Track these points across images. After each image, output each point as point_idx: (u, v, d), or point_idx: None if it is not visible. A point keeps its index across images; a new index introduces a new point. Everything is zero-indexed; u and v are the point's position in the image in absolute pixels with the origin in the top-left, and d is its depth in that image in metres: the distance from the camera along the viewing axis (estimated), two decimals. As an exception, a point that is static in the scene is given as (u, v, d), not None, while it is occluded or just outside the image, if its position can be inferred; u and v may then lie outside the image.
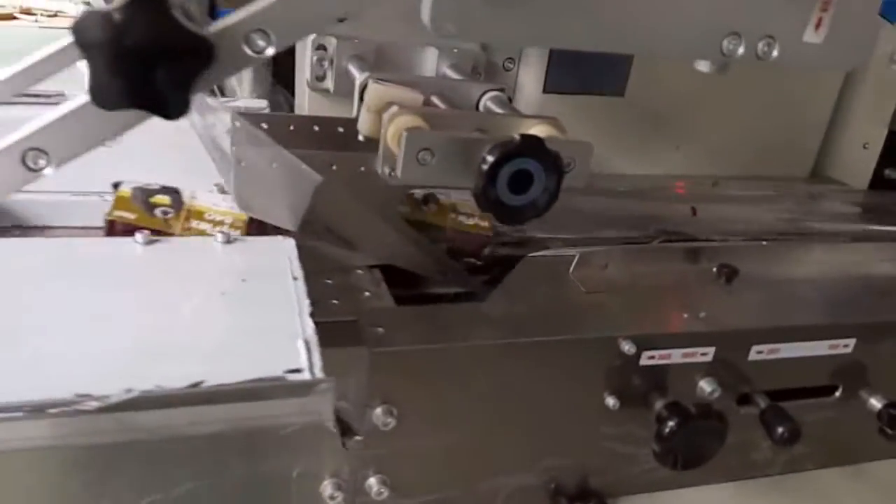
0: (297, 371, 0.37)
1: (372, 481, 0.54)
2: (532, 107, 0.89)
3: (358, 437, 0.47)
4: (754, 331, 0.60)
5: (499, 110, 0.63)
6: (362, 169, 0.55)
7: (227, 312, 0.45)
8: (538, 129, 0.56)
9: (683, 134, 0.97)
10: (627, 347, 0.56)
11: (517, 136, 0.46)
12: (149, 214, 0.62)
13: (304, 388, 0.36)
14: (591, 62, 0.88)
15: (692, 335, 0.58)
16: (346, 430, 0.42)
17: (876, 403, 0.67)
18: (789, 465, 0.69)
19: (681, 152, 0.98)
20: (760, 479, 0.68)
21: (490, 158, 0.46)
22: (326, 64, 0.76)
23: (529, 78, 0.88)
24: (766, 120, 1.01)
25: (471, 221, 0.74)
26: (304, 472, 0.52)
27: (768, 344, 0.60)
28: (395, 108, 0.53)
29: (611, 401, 0.58)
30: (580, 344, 0.55)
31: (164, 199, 0.62)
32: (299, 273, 0.50)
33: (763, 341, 0.60)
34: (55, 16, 2.45)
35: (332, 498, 0.53)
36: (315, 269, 0.58)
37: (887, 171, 1.01)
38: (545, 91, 0.88)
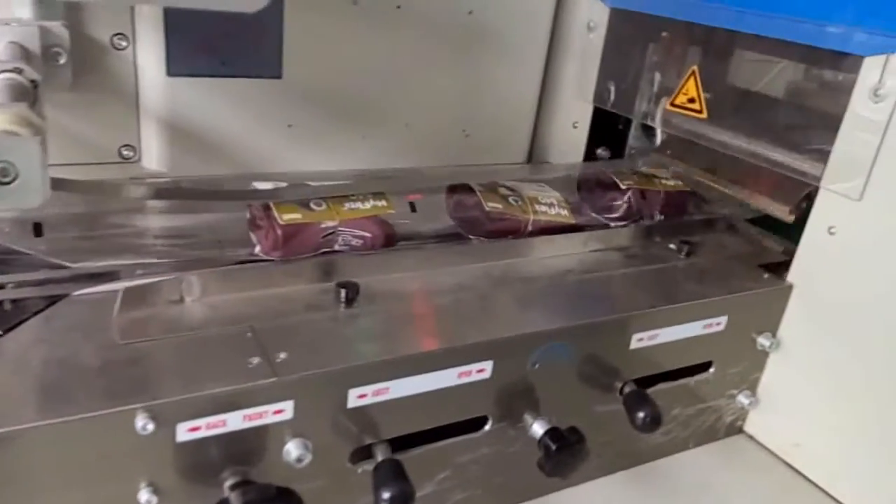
0: None
1: None
2: (158, 93, 0.71)
3: None
4: (345, 372, 0.46)
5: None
6: None
7: None
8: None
9: (368, 121, 0.83)
10: (142, 424, 0.40)
11: None
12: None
13: None
14: (227, 40, 0.71)
15: (249, 393, 0.43)
16: None
17: (538, 429, 0.56)
18: (450, 515, 0.57)
19: (369, 142, 0.84)
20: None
21: None
22: None
23: (149, 59, 0.70)
24: (468, 104, 0.90)
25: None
26: None
27: (370, 385, 0.47)
28: None
29: (145, 495, 0.42)
30: (63, 430, 0.39)
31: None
32: None
33: (361, 383, 0.47)
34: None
35: None
36: None
37: (599, 151, 0.94)
38: (170, 74, 0.70)
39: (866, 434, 0.62)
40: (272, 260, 0.56)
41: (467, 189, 0.68)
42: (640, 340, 0.59)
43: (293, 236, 0.56)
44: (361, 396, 0.47)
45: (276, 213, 0.56)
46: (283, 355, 0.46)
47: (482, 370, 0.51)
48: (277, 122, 0.78)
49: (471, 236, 0.66)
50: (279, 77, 0.76)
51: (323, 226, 0.57)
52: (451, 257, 0.62)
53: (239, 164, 0.77)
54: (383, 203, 0.60)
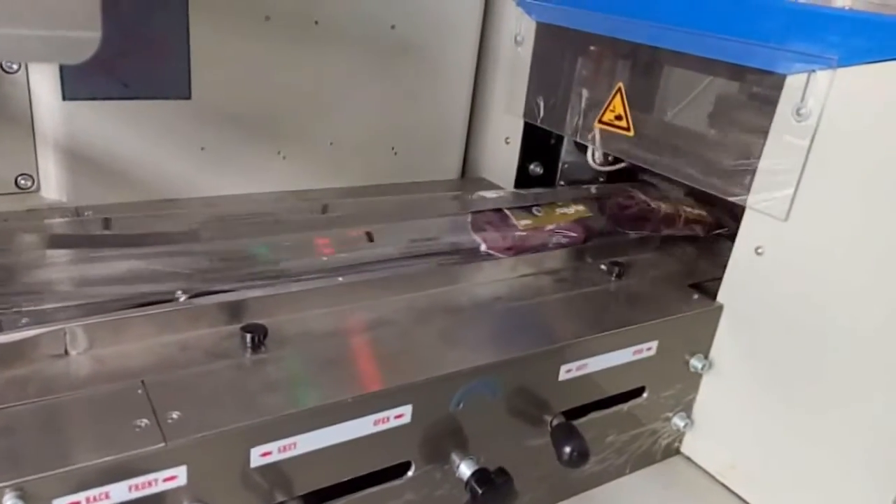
0: None
1: None
2: (54, 119, 0.66)
3: None
4: (244, 430, 0.42)
5: None
6: None
7: None
8: None
9: (288, 141, 0.79)
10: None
11: None
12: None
13: None
14: (129, 60, 0.67)
15: (135, 460, 0.39)
16: None
17: (465, 471, 0.53)
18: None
19: (291, 163, 0.80)
20: None
21: None
22: None
23: (43, 82, 0.65)
24: (395, 121, 0.87)
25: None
26: None
27: (275, 442, 0.43)
28: None
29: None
30: None
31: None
32: None
33: (264, 441, 0.43)
34: None
35: None
36: None
37: (531, 167, 0.92)
38: (66, 98, 0.65)
39: (797, 454, 0.61)
40: (174, 300, 0.52)
41: (627, 193, 0.81)
42: (568, 371, 0.57)
43: (527, 238, 0.68)
44: (265, 454, 0.43)
45: (514, 220, 0.69)
46: (175, 414, 0.42)
47: (401, 415, 0.48)
48: (188, 145, 0.74)
49: (629, 231, 0.76)
50: (188, 97, 0.71)
51: (547, 229, 0.69)
52: (372, 291, 0.59)
53: (148, 190, 0.72)
54: (583, 208, 0.73)
